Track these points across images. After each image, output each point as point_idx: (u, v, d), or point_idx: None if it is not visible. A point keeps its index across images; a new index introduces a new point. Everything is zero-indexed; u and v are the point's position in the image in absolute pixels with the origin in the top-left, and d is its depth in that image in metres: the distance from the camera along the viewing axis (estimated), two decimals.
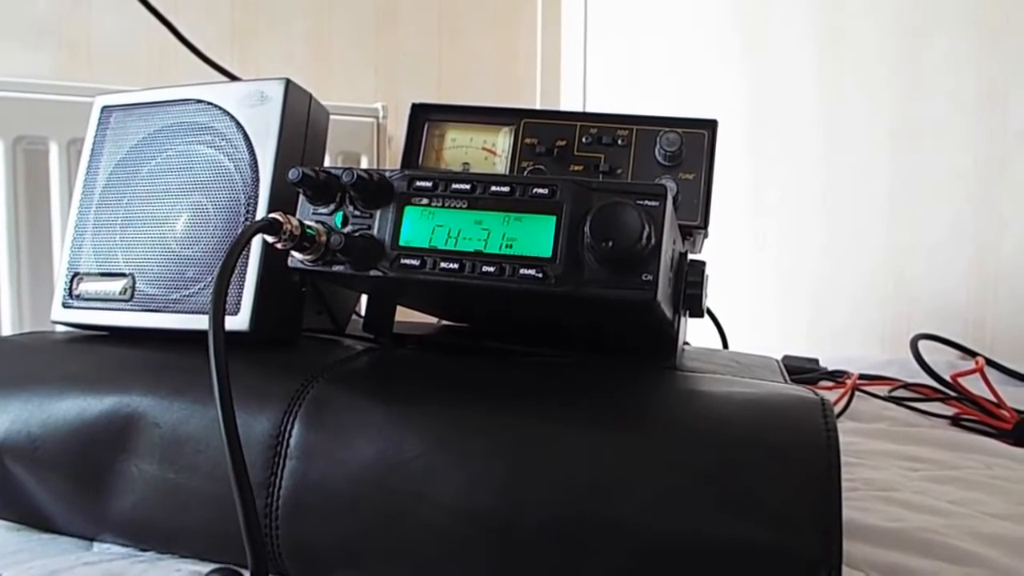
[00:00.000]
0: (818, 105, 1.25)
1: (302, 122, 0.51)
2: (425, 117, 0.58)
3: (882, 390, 0.94)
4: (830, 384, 0.96)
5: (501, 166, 0.57)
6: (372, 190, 0.40)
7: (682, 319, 0.49)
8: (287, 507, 0.40)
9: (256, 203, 0.48)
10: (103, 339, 0.52)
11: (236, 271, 0.47)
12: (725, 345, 0.92)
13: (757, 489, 0.34)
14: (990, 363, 0.95)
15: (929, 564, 0.46)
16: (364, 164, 1.20)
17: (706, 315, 0.51)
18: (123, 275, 0.51)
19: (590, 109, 1.45)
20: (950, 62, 1.13)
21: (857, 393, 0.89)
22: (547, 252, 0.38)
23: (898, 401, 0.90)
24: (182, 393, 0.43)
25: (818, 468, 0.35)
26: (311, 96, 0.52)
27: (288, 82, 0.50)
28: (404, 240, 0.40)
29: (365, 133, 1.21)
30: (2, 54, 1.09)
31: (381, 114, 1.23)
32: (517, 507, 0.36)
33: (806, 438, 0.36)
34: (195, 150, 0.51)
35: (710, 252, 0.56)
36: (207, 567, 0.41)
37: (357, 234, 0.40)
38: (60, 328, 0.55)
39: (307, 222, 0.40)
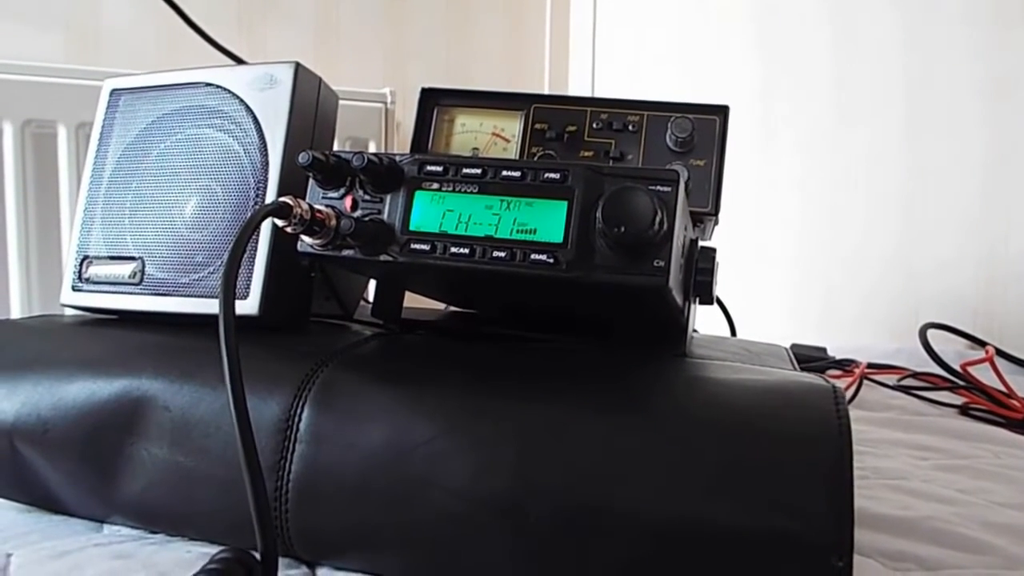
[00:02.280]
0: (830, 95, 1.24)
1: (311, 106, 0.51)
2: (434, 102, 0.58)
3: (891, 379, 0.94)
4: (838, 373, 0.96)
5: (511, 151, 0.56)
6: (382, 174, 0.40)
7: (692, 306, 0.48)
8: (297, 491, 0.40)
9: (265, 187, 0.48)
10: (112, 323, 0.52)
11: (245, 255, 0.47)
12: (733, 333, 0.92)
13: (769, 476, 0.34)
14: (999, 352, 0.95)
15: (938, 552, 0.46)
16: (372, 150, 1.20)
17: (715, 303, 0.50)
18: (132, 259, 0.51)
19: (599, 95, 1.45)
20: (963, 52, 1.12)
21: (865, 382, 0.89)
22: (558, 237, 0.38)
23: (907, 390, 0.89)
24: (192, 377, 0.43)
25: (830, 455, 0.34)
26: (320, 80, 0.52)
27: (298, 66, 0.50)
28: (414, 225, 0.40)
29: (373, 118, 1.21)
30: (11, 37, 1.08)
31: (389, 99, 1.22)
32: (527, 492, 0.36)
33: (818, 425, 0.36)
34: (204, 133, 0.51)
35: (720, 239, 0.56)
36: (217, 550, 0.42)
37: (367, 219, 0.40)
38: (69, 312, 0.55)
39: (317, 206, 0.40)
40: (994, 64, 1.09)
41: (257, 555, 0.35)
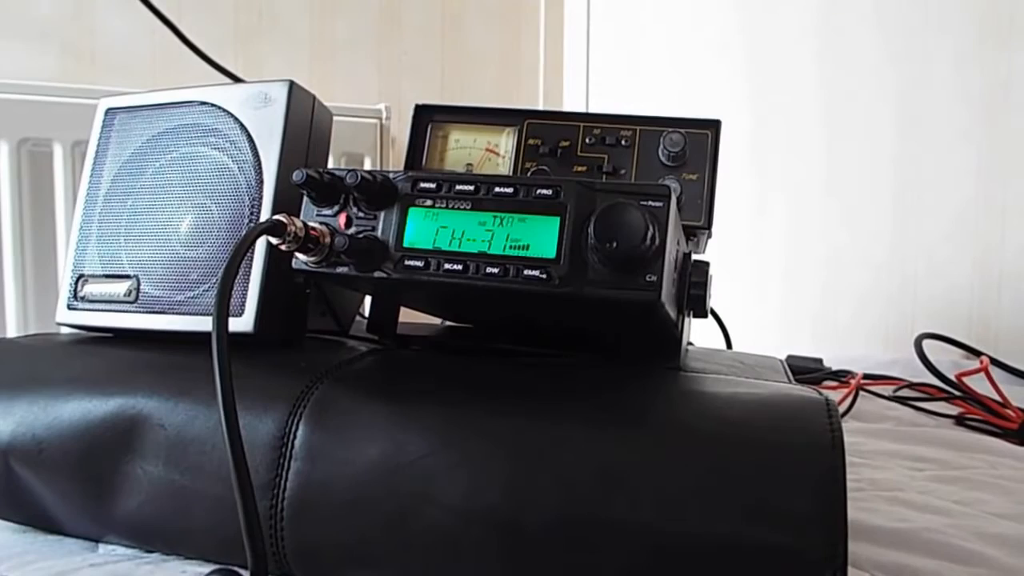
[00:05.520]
0: (821, 104, 1.25)
1: (306, 124, 0.51)
2: (428, 118, 0.58)
3: (886, 390, 0.94)
4: (834, 384, 0.96)
5: (504, 167, 0.57)
6: (376, 191, 0.40)
7: (686, 320, 0.48)
8: (292, 508, 0.40)
9: (260, 205, 0.48)
10: (108, 341, 0.52)
11: (240, 273, 0.47)
12: (729, 345, 0.92)
13: (762, 489, 0.34)
14: (994, 362, 0.95)
15: (934, 564, 0.46)
16: (367, 165, 1.21)
17: (710, 316, 0.51)
18: (127, 277, 0.51)
19: (593, 110, 1.46)
20: (954, 60, 1.13)
21: (861, 393, 0.89)
22: (551, 253, 0.38)
23: (902, 401, 0.89)
24: (187, 394, 0.43)
25: (823, 468, 0.35)
26: (315, 97, 0.52)
27: (292, 84, 0.50)
28: (408, 241, 0.40)
29: (368, 134, 1.21)
30: (6, 56, 1.09)
31: (384, 115, 1.23)
32: (522, 507, 0.36)
33: (811, 438, 0.36)
34: (199, 152, 0.51)
35: (714, 252, 0.56)
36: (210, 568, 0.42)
37: (361, 235, 0.40)
38: (65, 330, 0.55)
39: (311, 223, 0.40)
40: (986, 73, 1.10)
41: (247, 573, 0.35)
